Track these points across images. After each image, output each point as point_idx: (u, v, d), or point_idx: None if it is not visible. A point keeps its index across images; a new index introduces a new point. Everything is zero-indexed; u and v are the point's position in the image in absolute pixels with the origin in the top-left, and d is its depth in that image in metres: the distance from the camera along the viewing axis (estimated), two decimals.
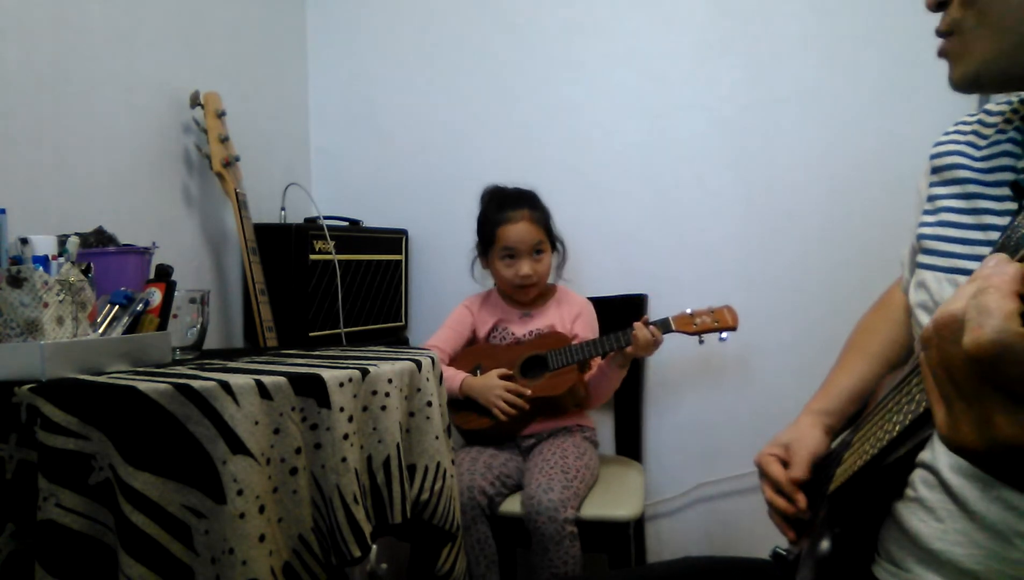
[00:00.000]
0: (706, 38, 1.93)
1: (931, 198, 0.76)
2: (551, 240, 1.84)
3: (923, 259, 0.74)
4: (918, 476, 0.68)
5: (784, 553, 0.82)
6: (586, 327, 1.83)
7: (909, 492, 0.68)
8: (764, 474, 0.84)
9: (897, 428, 0.55)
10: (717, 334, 1.71)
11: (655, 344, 1.68)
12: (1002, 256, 0.36)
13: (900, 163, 1.73)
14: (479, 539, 1.52)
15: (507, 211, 1.78)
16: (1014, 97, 0.73)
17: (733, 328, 1.70)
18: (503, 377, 1.73)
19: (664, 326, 1.71)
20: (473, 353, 1.86)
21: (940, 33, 0.65)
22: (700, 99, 1.94)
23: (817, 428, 0.85)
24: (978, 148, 0.73)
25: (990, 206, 0.68)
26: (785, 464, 0.83)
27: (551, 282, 1.91)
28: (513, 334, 1.85)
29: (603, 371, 1.77)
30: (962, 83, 0.65)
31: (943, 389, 0.37)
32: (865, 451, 0.63)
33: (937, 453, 0.66)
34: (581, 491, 1.57)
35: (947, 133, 0.78)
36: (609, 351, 1.71)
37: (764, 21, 1.88)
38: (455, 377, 1.74)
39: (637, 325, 1.66)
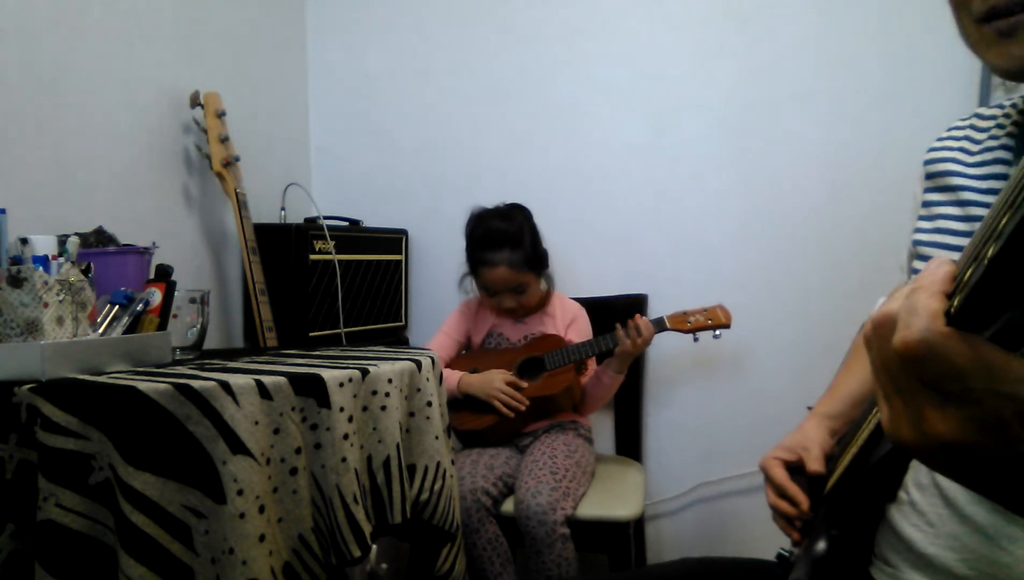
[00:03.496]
0: (706, 38, 1.93)
1: (926, 204, 0.76)
2: (536, 269, 1.80)
3: (919, 265, 0.74)
4: (911, 478, 0.68)
5: (788, 555, 0.82)
6: (580, 334, 1.84)
7: (902, 495, 0.68)
8: (768, 478, 0.84)
9: (873, 422, 0.55)
10: (711, 332, 1.73)
11: (643, 340, 1.68)
12: (942, 258, 0.38)
13: (900, 164, 1.73)
14: (490, 539, 1.52)
15: (487, 252, 1.75)
16: (1006, 102, 0.72)
17: (727, 326, 1.73)
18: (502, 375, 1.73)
19: (659, 325, 1.72)
20: (469, 358, 1.86)
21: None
22: (700, 99, 1.95)
23: (822, 430, 0.85)
24: (971, 154, 0.72)
25: (983, 213, 0.67)
26: (789, 467, 0.83)
27: (544, 288, 1.90)
28: (508, 340, 1.85)
29: (598, 376, 1.78)
30: None
31: (884, 387, 0.38)
32: (852, 450, 0.64)
33: None
34: (573, 489, 1.57)
35: (940, 139, 0.78)
36: (603, 350, 1.72)
37: (764, 21, 1.88)
38: (452, 376, 1.75)
39: (620, 324, 1.68)
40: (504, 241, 1.74)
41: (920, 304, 0.35)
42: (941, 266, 0.37)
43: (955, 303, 0.34)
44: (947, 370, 0.33)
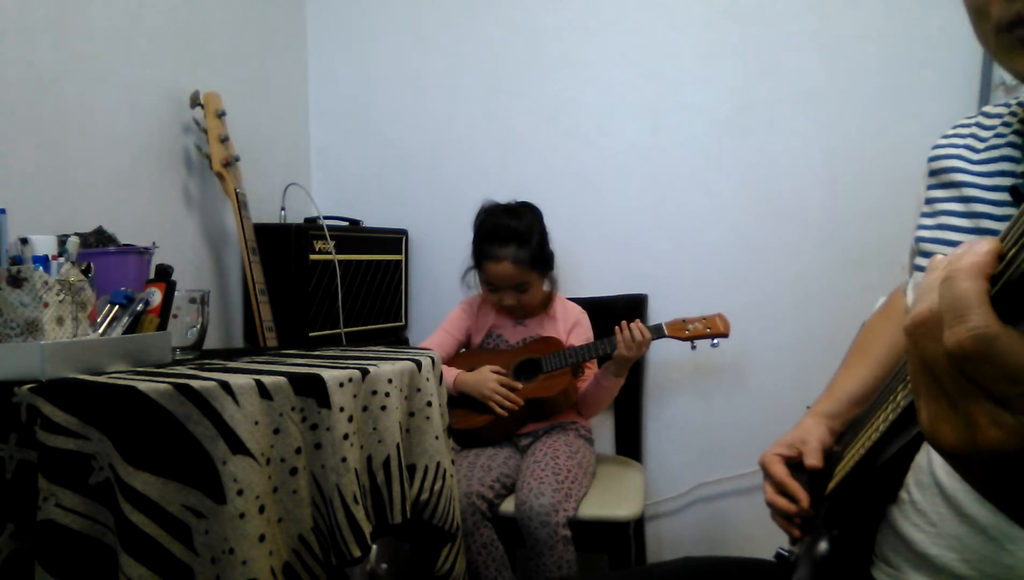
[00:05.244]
0: (706, 38, 1.93)
1: (929, 201, 0.76)
2: (541, 269, 1.79)
3: (921, 262, 0.73)
4: (912, 478, 0.68)
5: (787, 554, 0.81)
6: (582, 338, 1.83)
7: (903, 495, 0.68)
8: (767, 475, 0.84)
9: (882, 427, 0.55)
10: (709, 340, 1.73)
11: (638, 343, 1.67)
12: (981, 238, 0.34)
13: (901, 164, 1.73)
14: (484, 543, 1.52)
15: (493, 247, 1.74)
16: (1012, 101, 0.72)
17: (725, 335, 1.73)
18: (496, 373, 1.73)
19: (657, 331, 1.72)
20: (467, 357, 1.86)
21: None
22: (700, 99, 1.95)
23: (821, 426, 0.85)
24: (976, 151, 0.72)
25: (988, 210, 0.67)
26: (790, 464, 0.83)
27: (546, 289, 1.90)
28: (507, 342, 1.85)
29: (597, 379, 1.78)
30: None
31: (928, 388, 0.35)
32: (858, 451, 0.64)
33: (932, 454, 0.65)
34: (575, 491, 1.57)
35: (945, 136, 0.78)
36: (601, 354, 1.72)
37: (764, 21, 1.88)
38: (448, 373, 1.75)
39: (619, 326, 1.68)
40: (511, 237, 1.74)
41: (966, 292, 0.31)
42: (982, 244, 0.32)
43: (1002, 282, 0.31)
44: (1004, 371, 0.30)
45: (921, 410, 0.35)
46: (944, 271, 0.33)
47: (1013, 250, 0.30)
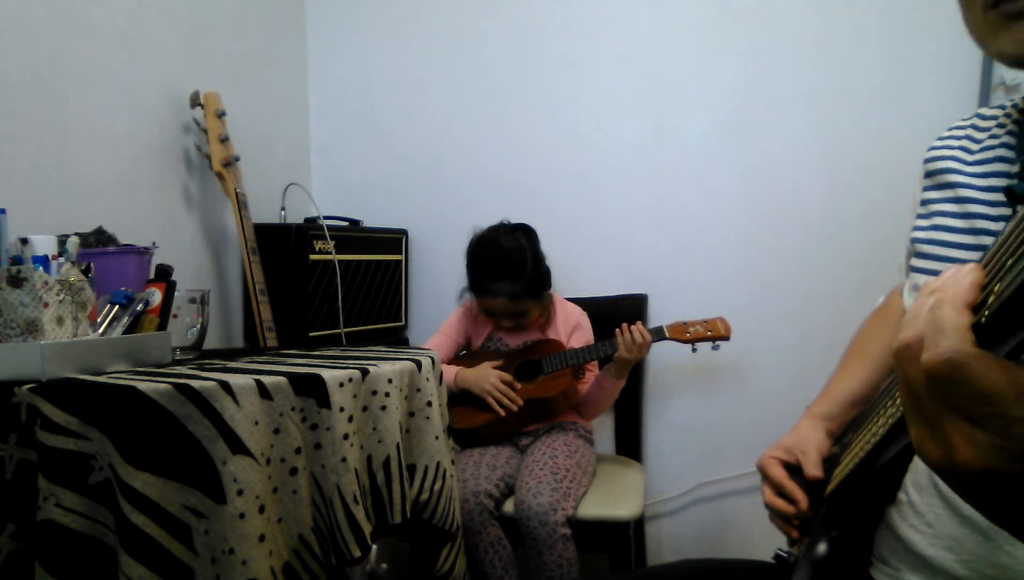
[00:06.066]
0: (706, 38, 1.93)
1: (924, 202, 0.76)
2: (537, 295, 1.77)
3: (917, 263, 0.74)
4: (910, 479, 0.68)
5: (786, 555, 0.81)
6: (582, 340, 1.83)
7: (901, 496, 0.68)
8: (766, 477, 0.84)
9: (881, 431, 0.55)
10: (710, 343, 1.73)
11: (639, 346, 1.67)
12: (965, 266, 0.36)
13: (900, 164, 1.73)
14: (492, 541, 1.52)
15: (487, 281, 1.73)
16: (1007, 102, 0.72)
17: (725, 338, 1.73)
18: (497, 370, 1.74)
19: (658, 334, 1.72)
20: (467, 359, 1.86)
21: None
22: (700, 99, 1.95)
23: (818, 430, 0.85)
24: (971, 152, 0.72)
25: (983, 211, 0.67)
26: (787, 466, 0.83)
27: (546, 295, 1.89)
28: (507, 345, 1.85)
29: (598, 381, 1.78)
30: None
31: (911, 408, 0.36)
32: (857, 454, 0.64)
33: None
34: (573, 490, 1.57)
35: (941, 138, 0.78)
36: (601, 356, 1.72)
37: (764, 21, 1.88)
38: (449, 370, 1.75)
39: (620, 328, 1.68)
40: (505, 272, 1.71)
41: (945, 320, 0.33)
42: (964, 275, 0.34)
43: (986, 314, 0.32)
44: (975, 392, 0.31)
45: (910, 428, 0.37)
46: (931, 298, 0.35)
47: (994, 282, 0.32)
